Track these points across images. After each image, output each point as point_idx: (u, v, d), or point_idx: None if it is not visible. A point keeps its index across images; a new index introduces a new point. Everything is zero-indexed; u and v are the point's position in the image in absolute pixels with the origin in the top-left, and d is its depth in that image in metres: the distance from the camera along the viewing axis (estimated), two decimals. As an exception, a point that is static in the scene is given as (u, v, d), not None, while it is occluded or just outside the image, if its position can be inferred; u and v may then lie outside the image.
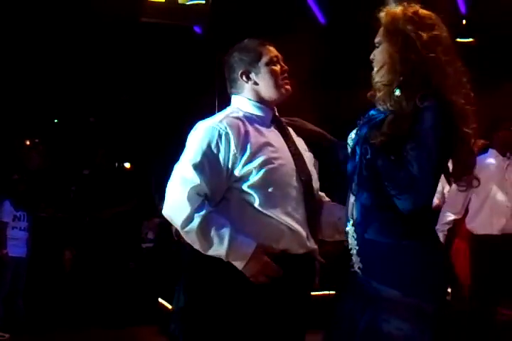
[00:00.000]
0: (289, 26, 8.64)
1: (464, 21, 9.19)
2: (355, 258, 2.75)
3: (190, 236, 3.01)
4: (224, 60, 3.30)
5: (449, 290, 6.67)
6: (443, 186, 6.42)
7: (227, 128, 3.03)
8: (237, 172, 3.03)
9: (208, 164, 3.01)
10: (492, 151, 6.06)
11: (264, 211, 3.04)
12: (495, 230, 5.85)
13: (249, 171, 3.02)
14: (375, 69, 2.76)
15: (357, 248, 2.74)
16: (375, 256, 2.69)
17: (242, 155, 3.02)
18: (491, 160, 6.02)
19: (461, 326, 5.79)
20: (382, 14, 2.80)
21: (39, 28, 8.47)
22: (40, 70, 9.20)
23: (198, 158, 3.02)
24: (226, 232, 2.96)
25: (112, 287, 7.43)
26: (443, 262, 2.78)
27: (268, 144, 3.08)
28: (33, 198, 7.56)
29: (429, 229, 2.79)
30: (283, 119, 3.29)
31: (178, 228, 3.04)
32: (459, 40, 9.36)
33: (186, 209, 2.97)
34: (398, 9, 2.77)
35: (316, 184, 3.24)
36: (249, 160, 3.02)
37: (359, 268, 2.74)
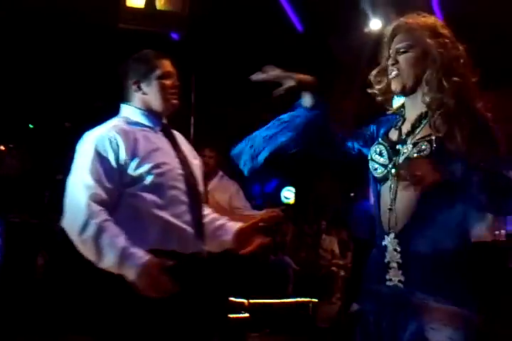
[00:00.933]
0: (266, 34, 8.66)
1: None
2: (394, 272, 2.72)
3: (86, 246, 3.00)
4: (120, 67, 3.41)
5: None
6: None
7: (116, 136, 3.12)
8: (127, 178, 3.10)
9: (101, 171, 3.07)
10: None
11: (155, 213, 3.11)
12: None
13: (138, 176, 3.11)
14: (403, 75, 2.77)
15: (400, 261, 2.70)
16: (422, 269, 2.65)
17: (132, 161, 3.11)
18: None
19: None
20: (403, 22, 2.83)
21: (14, 34, 8.42)
22: (14, 75, 9.15)
23: (90, 166, 3.07)
24: (119, 243, 2.95)
25: (85, 292, 7.38)
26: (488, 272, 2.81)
27: (156, 150, 3.19)
28: (6, 203, 7.51)
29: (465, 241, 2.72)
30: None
31: (75, 237, 3.01)
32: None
33: (82, 217, 2.97)
34: (419, 19, 2.82)
35: (201, 188, 3.37)
36: (139, 166, 3.11)
37: (399, 280, 2.69)
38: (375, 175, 2.81)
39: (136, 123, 3.27)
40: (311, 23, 9.07)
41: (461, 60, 2.76)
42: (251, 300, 7.54)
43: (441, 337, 2.57)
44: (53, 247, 7.76)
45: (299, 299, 8.12)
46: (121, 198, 3.12)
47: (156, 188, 3.13)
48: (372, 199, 2.93)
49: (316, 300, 8.31)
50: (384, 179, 2.79)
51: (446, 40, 2.78)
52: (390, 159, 2.77)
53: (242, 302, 7.45)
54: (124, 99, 3.38)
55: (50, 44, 8.63)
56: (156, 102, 3.31)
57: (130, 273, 2.92)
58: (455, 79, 2.70)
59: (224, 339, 5.92)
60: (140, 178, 3.11)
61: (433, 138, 2.67)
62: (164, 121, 3.38)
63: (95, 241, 2.96)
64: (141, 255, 2.94)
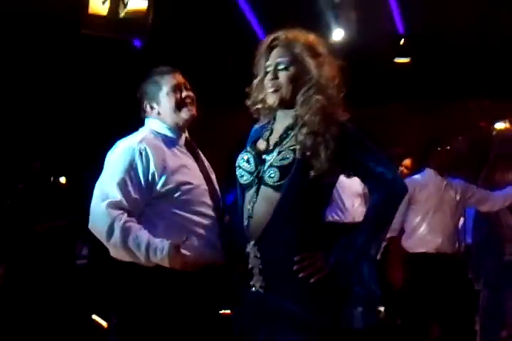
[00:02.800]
0: (228, 43, 8.66)
1: (402, 41, 9.29)
2: (256, 278, 2.82)
3: (116, 249, 3.17)
4: (137, 90, 3.57)
5: (382, 308, 6.90)
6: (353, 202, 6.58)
7: (147, 149, 3.24)
8: (156, 191, 3.23)
9: (130, 181, 3.20)
10: (429, 171, 6.12)
11: (188, 227, 3.24)
12: (430, 248, 5.91)
13: (167, 190, 3.23)
14: (282, 89, 2.92)
15: (260, 267, 2.80)
16: (280, 272, 2.78)
17: (161, 175, 3.23)
18: (428, 179, 6.08)
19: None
20: (283, 36, 3.01)
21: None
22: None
23: (119, 175, 3.20)
24: (143, 240, 3.10)
25: (44, 303, 7.30)
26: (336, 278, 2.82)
27: (183, 166, 3.32)
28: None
29: (326, 242, 2.86)
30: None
31: (104, 243, 3.18)
32: (396, 60, 9.49)
33: (107, 222, 3.12)
34: (299, 33, 3.02)
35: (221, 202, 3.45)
36: (168, 180, 3.23)
37: (261, 286, 2.81)
38: (241, 182, 2.95)
39: (163, 137, 3.39)
40: (273, 31, 9.09)
41: (335, 80, 2.91)
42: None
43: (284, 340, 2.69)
44: (13, 257, 7.67)
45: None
46: (147, 208, 3.26)
47: (184, 204, 3.25)
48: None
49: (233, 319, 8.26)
50: (249, 186, 2.92)
51: (325, 60, 2.94)
52: (256, 167, 2.90)
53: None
54: (145, 116, 3.54)
55: (12, 49, 8.54)
56: (170, 117, 3.43)
57: (162, 263, 3.09)
58: (321, 97, 2.85)
59: None
60: (168, 193, 3.23)
61: (297, 147, 2.82)
62: (186, 134, 3.50)
63: (123, 243, 3.12)
64: (162, 245, 3.08)
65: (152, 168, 3.21)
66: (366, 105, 9.27)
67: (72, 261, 8.43)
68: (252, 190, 2.90)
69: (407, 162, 7.65)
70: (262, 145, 2.99)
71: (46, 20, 7.77)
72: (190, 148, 3.48)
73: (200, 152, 3.54)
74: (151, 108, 3.49)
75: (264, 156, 2.92)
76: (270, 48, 3.02)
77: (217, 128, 9.74)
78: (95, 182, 3.34)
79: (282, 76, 2.93)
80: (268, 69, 2.98)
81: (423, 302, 5.86)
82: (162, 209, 3.25)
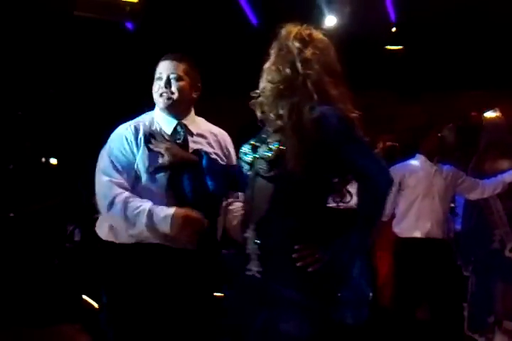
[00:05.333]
0: (221, 27, 8.65)
1: (394, 29, 9.30)
2: (253, 262, 2.88)
3: (114, 219, 3.40)
4: None
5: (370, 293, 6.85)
6: None
7: (130, 134, 3.48)
8: (137, 170, 3.44)
9: (117, 163, 3.44)
10: (419, 156, 6.15)
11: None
12: (419, 234, 5.95)
13: (145, 171, 3.43)
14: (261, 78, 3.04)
15: (258, 252, 2.86)
16: (277, 259, 2.83)
17: (138, 156, 3.45)
18: (418, 165, 6.12)
19: (381, 327, 5.90)
20: (281, 29, 3.04)
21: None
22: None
23: (107, 159, 3.46)
24: (145, 207, 3.32)
25: (34, 284, 7.31)
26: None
27: (154, 154, 3.45)
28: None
29: (324, 232, 2.89)
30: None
31: (104, 214, 3.43)
32: (388, 47, 9.50)
33: (107, 198, 3.37)
34: (296, 28, 3.03)
35: None
36: (145, 162, 3.43)
37: (258, 271, 2.86)
38: (245, 173, 3.06)
39: (154, 122, 3.57)
40: (265, 16, 9.08)
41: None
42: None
43: (288, 326, 2.75)
44: (3, 237, 7.68)
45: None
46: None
47: (155, 187, 3.43)
48: None
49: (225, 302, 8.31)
50: (249, 176, 3.02)
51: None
52: (253, 158, 3.00)
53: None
54: None
55: (4, 31, 8.51)
56: (157, 101, 3.59)
57: (164, 227, 3.26)
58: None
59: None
60: (141, 176, 3.44)
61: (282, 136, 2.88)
62: (185, 121, 3.61)
63: (123, 213, 3.32)
64: (166, 209, 3.29)
65: (134, 150, 3.46)
66: (357, 92, 9.30)
67: (62, 242, 8.45)
68: (252, 179, 2.98)
69: (380, 144, 7.56)
70: (261, 136, 3.05)
71: (39, 1, 7.74)
72: (178, 135, 3.58)
73: (194, 139, 3.61)
74: (153, 90, 3.62)
75: (257, 148, 3.00)
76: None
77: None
78: (89, 164, 3.63)
79: (266, 64, 3.07)
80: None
81: (412, 286, 5.90)
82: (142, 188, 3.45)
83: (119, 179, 3.41)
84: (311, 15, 8.65)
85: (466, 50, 9.10)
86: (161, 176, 3.40)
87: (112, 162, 3.44)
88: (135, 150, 3.45)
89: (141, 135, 3.48)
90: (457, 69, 9.36)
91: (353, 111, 2.93)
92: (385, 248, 6.37)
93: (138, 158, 3.44)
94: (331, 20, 8.62)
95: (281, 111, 2.89)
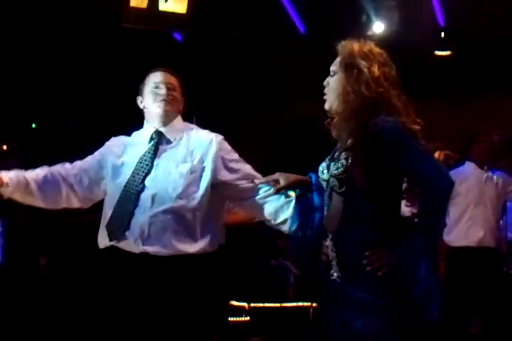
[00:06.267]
0: (268, 35, 8.67)
1: (443, 34, 9.24)
2: (334, 268, 3.10)
3: None
4: None
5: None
6: None
7: (112, 142, 3.87)
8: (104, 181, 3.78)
9: (101, 154, 3.86)
10: (470, 164, 6.08)
11: None
12: (471, 242, 5.88)
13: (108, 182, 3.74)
14: (329, 96, 3.16)
15: (336, 259, 3.08)
16: (352, 265, 3.02)
17: (108, 168, 3.73)
18: (469, 172, 6.05)
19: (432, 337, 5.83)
20: (340, 46, 3.16)
21: (16, 30, 8.42)
22: (17, 73, 9.14)
23: (103, 147, 3.89)
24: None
25: (87, 295, 7.36)
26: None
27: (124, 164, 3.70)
28: (8, 203, 7.49)
29: (398, 238, 3.00)
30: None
31: None
32: (437, 53, 9.44)
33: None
34: (355, 44, 3.13)
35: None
36: (112, 174, 3.71)
37: (338, 276, 3.08)
38: (324, 189, 3.20)
39: (139, 138, 3.82)
40: (313, 24, 9.08)
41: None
42: (252, 304, 7.57)
43: (358, 324, 2.93)
44: (54, 248, 7.75)
45: (299, 303, 8.14)
46: None
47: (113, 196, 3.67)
48: None
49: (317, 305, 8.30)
50: (326, 191, 3.18)
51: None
52: (328, 176, 3.14)
53: (243, 306, 7.47)
54: None
55: (54, 42, 8.63)
56: (151, 112, 3.76)
57: None
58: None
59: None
60: (109, 185, 3.73)
61: (350, 154, 3.03)
62: (159, 132, 3.75)
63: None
64: None
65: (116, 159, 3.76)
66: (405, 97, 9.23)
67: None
68: (327, 194, 3.16)
69: (437, 154, 7.52)
70: (334, 154, 3.19)
71: (88, 13, 7.84)
72: (155, 144, 3.72)
73: (173, 150, 3.72)
74: (141, 102, 3.83)
75: (331, 164, 3.14)
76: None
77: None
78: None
79: (331, 82, 3.18)
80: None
81: (464, 297, 5.82)
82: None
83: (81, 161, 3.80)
84: (359, 22, 8.65)
85: (512, 55, 9.01)
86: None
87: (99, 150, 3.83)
88: (107, 163, 3.74)
89: (115, 149, 3.80)
90: (505, 74, 9.26)
91: (416, 122, 3.06)
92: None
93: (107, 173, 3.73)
94: (378, 26, 8.60)
95: (352, 129, 3.02)
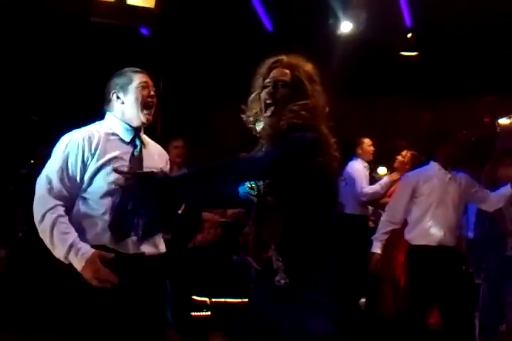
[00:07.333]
0: (235, 32, 8.66)
1: (410, 35, 9.30)
2: (281, 275, 3.10)
3: (44, 235, 3.44)
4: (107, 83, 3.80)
5: (363, 299, 7.04)
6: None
7: (84, 140, 3.55)
8: (84, 181, 3.53)
9: (65, 172, 3.50)
10: (434, 164, 6.11)
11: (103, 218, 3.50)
12: (432, 241, 5.92)
13: (91, 181, 3.53)
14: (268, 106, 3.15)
15: (283, 268, 3.08)
16: (302, 271, 3.06)
17: (90, 166, 3.53)
18: (433, 172, 6.09)
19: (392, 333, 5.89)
20: (285, 59, 3.20)
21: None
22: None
23: (58, 165, 3.51)
24: (68, 239, 3.39)
25: (48, 287, 7.30)
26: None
27: (115, 158, 3.57)
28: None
29: (335, 245, 3.11)
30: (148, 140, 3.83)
31: (37, 224, 3.46)
32: (403, 53, 9.50)
33: (42, 209, 3.45)
34: (300, 62, 3.19)
35: None
36: (96, 172, 3.52)
37: (286, 282, 3.08)
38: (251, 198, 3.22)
39: (109, 131, 3.67)
40: (281, 23, 9.09)
41: (326, 109, 3.18)
42: (213, 299, 7.57)
43: (313, 324, 2.97)
44: (15, 241, 7.70)
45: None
46: (77, 200, 3.56)
47: (105, 194, 3.50)
48: None
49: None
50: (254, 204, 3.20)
51: (319, 88, 3.18)
52: (258, 191, 3.16)
53: (205, 301, 7.48)
54: (107, 109, 3.77)
55: (21, 37, 8.56)
56: (131, 110, 3.68)
57: (76, 265, 3.36)
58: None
59: (186, 336, 5.99)
60: (93, 183, 3.54)
61: None
62: (141, 135, 3.75)
63: (50, 232, 3.41)
64: (86, 250, 3.37)
65: (84, 160, 3.53)
66: (372, 97, 9.30)
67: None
68: (259, 205, 3.17)
69: (404, 152, 7.60)
70: None
71: (57, 7, 7.78)
72: (135, 144, 3.69)
73: (151, 151, 3.78)
74: (117, 97, 3.71)
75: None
76: (270, 69, 3.21)
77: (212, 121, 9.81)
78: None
79: (280, 92, 3.13)
80: (267, 85, 3.18)
81: (424, 295, 5.88)
82: (84, 203, 3.54)
83: (59, 188, 3.48)
84: (327, 21, 8.67)
85: (480, 56, 9.08)
86: (108, 196, 3.49)
87: (61, 168, 3.50)
88: (89, 161, 3.54)
89: (94, 146, 3.56)
90: (471, 75, 9.34)
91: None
92: (393, 255, 6.40)
93: (88, 170, 3.53)
94: (346, 26, 8.63)
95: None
